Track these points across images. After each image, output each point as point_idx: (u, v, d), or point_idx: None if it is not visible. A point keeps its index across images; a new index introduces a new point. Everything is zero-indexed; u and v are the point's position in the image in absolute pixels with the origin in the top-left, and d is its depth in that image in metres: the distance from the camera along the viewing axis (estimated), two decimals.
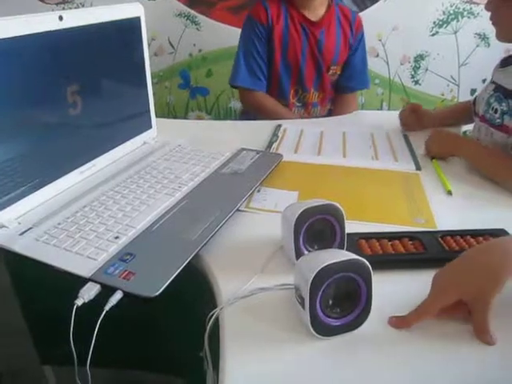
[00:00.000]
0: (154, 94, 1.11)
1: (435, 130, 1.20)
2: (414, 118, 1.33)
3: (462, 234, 0.77)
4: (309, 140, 1.24)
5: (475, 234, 0.77)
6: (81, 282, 0.65)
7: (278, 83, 1.69)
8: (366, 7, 2.20)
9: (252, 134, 1.28)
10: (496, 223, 0.80)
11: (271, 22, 1.60)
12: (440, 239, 0.75)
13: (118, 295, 0.62)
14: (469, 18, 2.26)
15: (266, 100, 1.67)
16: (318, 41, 1.63)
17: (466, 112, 1.32)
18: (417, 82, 2.39)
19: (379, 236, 0.76)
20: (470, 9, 2.23)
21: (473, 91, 2.37)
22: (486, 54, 2.28)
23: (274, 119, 1.46)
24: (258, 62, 1.64)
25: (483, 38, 2.28)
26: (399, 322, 0.61)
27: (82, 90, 0.89)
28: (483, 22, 2.17)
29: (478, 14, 2.24)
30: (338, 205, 0.70)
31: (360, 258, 0.57)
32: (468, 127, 1.32)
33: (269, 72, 1.67)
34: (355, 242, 0.74)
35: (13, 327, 1.29)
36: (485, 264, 0.60)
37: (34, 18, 0.76)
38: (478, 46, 2.30)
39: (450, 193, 0.96)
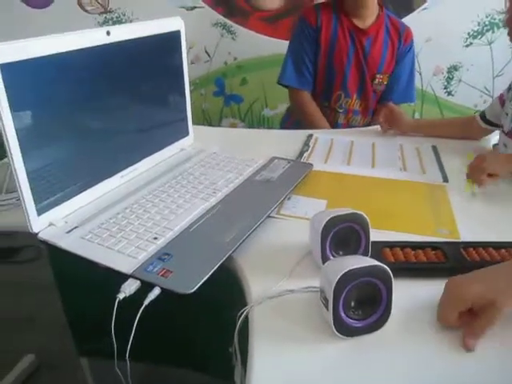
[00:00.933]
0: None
1: (490, 153, 1.23)
2: (392, 118, 1.37)
3: (485, 245, 0.79)
4: (339, 150, 1.28)
5: (498, 246, 0.79)
6: (120, 278, 0.70)
7: (323, 86, 1.74)
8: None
9: (284, 142, 1.32)
10: None
11: (320, 25, 1.66)
12: (462, 250, 0.78)
13: (156, 291, 0.67)
14: (505, 28, 2.24)
15: (310, 103, 1.73)
16: (364, 48, 1.66)
17: (462, 127, 1.36)
18: (449, 93, 2.39)
19: (403, 245, 0.79)
20: None
21: None
22: None
23: (310, 123, 1.51)
24: (305, 62, 1.70)
25: None
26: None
27: (126, 99, 0.95)
28: None
29: None
30: (363, 214, 0.73)
31: (382, 264, 0.61)
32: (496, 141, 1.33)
33: (314, 74, 1.72)
34: (379, 249, 0.77)
35: (51, 321, 1.36)
36: (507, 276, 0.62)
37: (85, 33, 0.82)
38: None
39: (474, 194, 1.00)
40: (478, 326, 0.61)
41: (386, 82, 1.73)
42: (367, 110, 1.77)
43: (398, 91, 1.75)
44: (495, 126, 1.26)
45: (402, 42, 1.71)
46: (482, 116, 1.30)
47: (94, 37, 0.84)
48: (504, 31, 2.23)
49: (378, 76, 1.71)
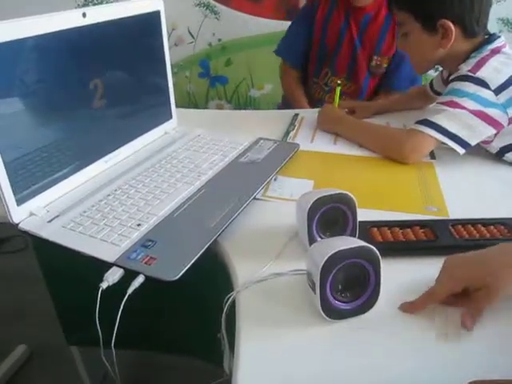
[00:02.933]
0: (174, 83, 1.13)
1: (325, 106, 1.30)
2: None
3: (473, 222, 0.78)
4: None
5: (486, 222, 0.78)
6: (105, 266, 0.69)
7: (314, 63, 1.73)
8: None
9: (270, 123, 1.30)
10: (508, 213, 0.81)
11: (317, 3, 1.64)
12: (451, 227, 0.77)
13: (140, 279, 0.66)
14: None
15: (293, 81, 1.77)
16: (359, 25, 1.61)
17: (415, 97, 1.37)
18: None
19: (390, 224, 0.78)
20: None
21: None
22: (509, 38, 2.24)
23: (291, 100, 1.58)
24: (297, 41, 1.72)
25: (506, 23, 2.25)
26: (409, 307, 0.63)
27: (105, 83, 0.92)
28: (508, 6, 2.14)
29: None
30: (350, 194, 0.72)
31: (369, 245, 0.60)
32: None
33: (309, 51, 1.72)
34: (367, 229, 0.76)
35: (41, 310, 1.36)
36: (504, 258, 0.62)
37: (59, 15, 0.79)
38: (501, 31, 2.27)
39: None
40: (475, 308, 0.61)
41: (385, 65, 1.65)
42: (356, 92, 1.70)
43: (401, 78, 1.64)
44: (439, 94, 1.26)
45: None
46: (431, 86, 1.30)
47: (69, 19, 0.81)
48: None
49: (375, 57, 1.64)
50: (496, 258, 0.63)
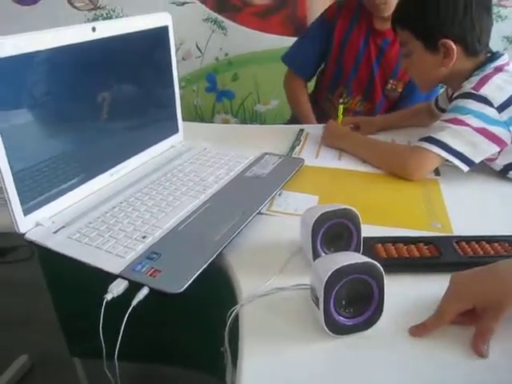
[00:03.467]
0: (181, 97, 1.14)
1: (329, 122, 1.30)
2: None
3: (478, 239, 0.78)
4: None
5: (490, 240, 0.78)
6: (110, 278, 0.69)
7: (329, 80, 1.72)
8: None
9: (275, 138, 1.30)
10: None
11: (336, 20, 1.64)
12: (455, 244, 0.77)
13: (144, 291, 0.66)
14: (496, 21, 2.24)
15: (301, 91, 1.75)
16: (379, 49, 1.62)
17: (420, 113, 1.37)
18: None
19: (395, 240, 0.78)
20: (498, 12, 2.21)
21: None
22: None
23: (297, 111, 1.59)
24: (308, 51, 1.70)
25: (511, 41, 2.26)
26: (419, 330, 0.62)
27: (113, 96, 0.93)
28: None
29: (506, 17, 2.22)
30: (354, 210, 0.72)
31: (373, 261, 0.60)
32: None
33: (325, 66, 1.72)
34: (371, 245, 0.76)
35: (45, 321, 1.36)
36: (508, 277, 0.62)
37: (69, 29, 0.80)
38: (505, 49, 2.28)
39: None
40: (485, 328, 0.60)
41: (400, 90, 1.65)
42: (371, 113, 1.68)
43: (414, 103, 1.56)
44: (444, 111, 1.26)
45: None
46: (436, 103, 1.31)
47: (79, 33, 0.83)
48: (495, 24, 2.22)
49: (390, 81, 1.64)
50: (505, 275, 0.62)
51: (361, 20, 1.62)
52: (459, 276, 0.64)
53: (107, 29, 0.89)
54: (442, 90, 1.30)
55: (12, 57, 0.71)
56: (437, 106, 1.31)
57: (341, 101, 1.37)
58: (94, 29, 0.85)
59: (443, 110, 1.26)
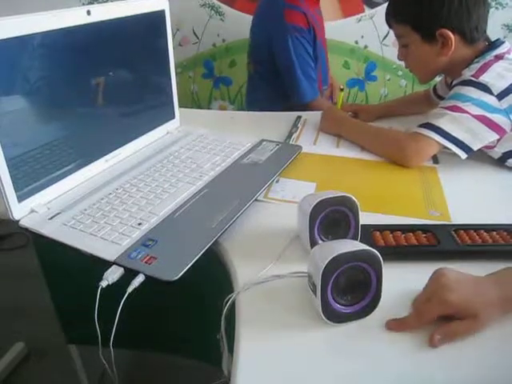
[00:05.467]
0: (177, 83, 1.12)
1: (327, 108, 1.30)
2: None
3: (476, 228, 0.78)
4: None
5: (488, 228, 0.78)
6: (105, 265, 0.68)
7: (321, 72, 1.77)
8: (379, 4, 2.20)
9: (273, 124, 1.29)
10: (511, 219, 0.80)
11: (312, 24, 1.64)
12: (453, 232, 0.77)
13: (140, 278, 0.66)
14: (497, 8, 2.22)
15: (325, 101, 1.79)
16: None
17: (418, 101, 1.36)
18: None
19: (393, 228, 0.78)
20: None
21: None
22: None
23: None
24: (311, 66, 1.68)
25: (511, 29, 2.24)
26: (399, 326, 0.61)
27: (108, 81, 0.92)
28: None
29: (506, 4, 2.20)
30: (352, 197, 0.72)
31: (371, 248, 0.59)
32: None
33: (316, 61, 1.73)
34: (369, 233, 0.76)
35: (40, 308, 1.35)
36: (494, 289, 0.61)
37: (63, 12, 0.79)
38: (505, 37, 2.27)
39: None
40: (454, 330, 0.59)
41: None
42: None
43: None
44: (442, 99, 1.26)
45: None
46: (434, 90, 1.31)
47: (73, 16, 0.81)
48: (496, 11, 2.21)
49: None
50: (492, 291, 0.60)
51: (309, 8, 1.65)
52: (445, 279, 0.61)
53: (102, 12, 0.87)
54: (440, 78, 1.29)
55: (3, 40, 0.69)
56: (435, 93, 1.30)
57: (341, 87, 1.36)
58: (88, 12, 0.83)
59: (442, 98, 1.25)
